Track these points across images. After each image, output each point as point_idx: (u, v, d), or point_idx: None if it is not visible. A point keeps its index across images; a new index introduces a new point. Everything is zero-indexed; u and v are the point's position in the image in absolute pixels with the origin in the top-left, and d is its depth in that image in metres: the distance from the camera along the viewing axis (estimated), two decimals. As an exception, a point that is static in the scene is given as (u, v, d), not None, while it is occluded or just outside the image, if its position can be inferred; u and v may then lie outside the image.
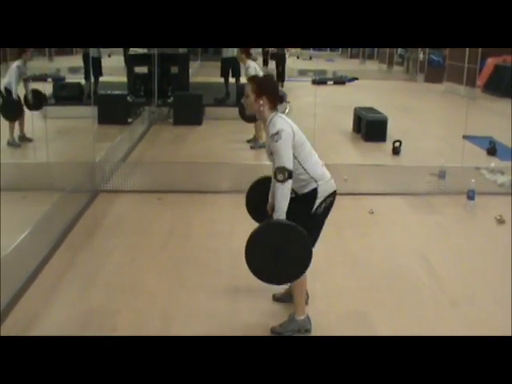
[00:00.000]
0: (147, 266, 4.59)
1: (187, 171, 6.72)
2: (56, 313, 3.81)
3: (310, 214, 3.50)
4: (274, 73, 16.07)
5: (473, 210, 6.26)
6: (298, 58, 26.91)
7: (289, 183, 3.32)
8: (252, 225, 5.30)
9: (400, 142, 8.78)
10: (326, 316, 3.89)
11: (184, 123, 10.07)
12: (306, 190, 3.52)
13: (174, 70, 11.01)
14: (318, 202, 3.50)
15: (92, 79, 8.76)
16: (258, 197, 4.03)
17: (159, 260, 4.71)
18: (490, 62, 16.45)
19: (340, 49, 35.83)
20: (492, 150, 8.72)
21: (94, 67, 8.58)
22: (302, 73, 20.15)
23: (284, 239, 3.31)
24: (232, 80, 11.90)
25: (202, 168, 6.86)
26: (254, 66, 8.57)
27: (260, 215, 4.02)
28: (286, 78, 16.60)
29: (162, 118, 10.36)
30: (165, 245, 5.01)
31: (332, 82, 18.83)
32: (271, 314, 3.92)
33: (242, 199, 6.11)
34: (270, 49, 18.67)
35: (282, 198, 3.32)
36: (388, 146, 9.08)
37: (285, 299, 4.07)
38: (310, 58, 28.47)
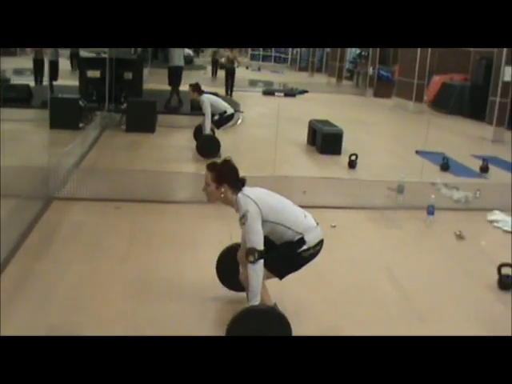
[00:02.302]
0: (108, 279, 4.38)
1: (145, 180, 6.53)
2: (16, 326, 3.56)
3: (294, 253, 3.51)
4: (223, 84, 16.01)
5: (432, 225, 6.32)
6: (247, 68, 27.03)
7: (260, 263, 3.33)
8: (214, 237, 5.27)
9: (356, 155, 8.82)
10: (298, 332, 3.78)
11: (137, 130, 9.85)
12: (294, 240, 3.52)
13: (128, 75, 10.76)
14: (305, 247, 3.50)
15: (45, 82, 8.45)
16: (228, 265, 4.05)
17: (120, 272, 4.51)
18: (438, 79, 16.88)
19: (289, 61, 36.24)
20: (445, 165, 8.87)
21: (51, 70, 8.29)
22: (253, 83, 20.21)
23: (264, 324, 3.32)
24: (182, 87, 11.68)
25: (160, 177, 6.69)
26: (208, 99, 8.46)
27: (231, 283, 4.07)
28: (236, 88, 16.56)
29: (114, 124, 10.10)
30: (125, 256, 4.82)
31: (282, 94, 18.92)
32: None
33: (201, 209, 6.07)
34: (220, 60, 18.65)
35: (255, 278, 3.34)
36: (343, 159, 9.12)
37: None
38: (259, 69, 28.64)
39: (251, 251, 3.32)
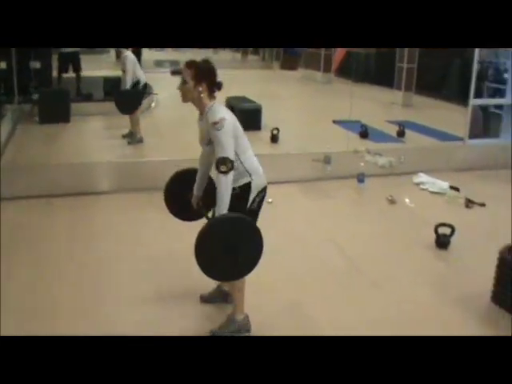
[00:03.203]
0: (58, 281, 4.24)
1: (71, 172, 6.35)
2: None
3: (246, 209, 3.41)
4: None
5: (364, 193, 6.53)
6: (149, 48, 26.43)
7: (231, 174, 3.20)
8: (155, 224, 5.22)
9: (278, 129, 8.90)
10: (261, 311, 3.83)
11: (51, 121, 9.45)
12: (239, 184, 3.39)
13: (35, 64, 10.27)
14: (251, 197, 3.41)
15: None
16: (178, 191, 3.84)
17: (69, 272, 4.38)
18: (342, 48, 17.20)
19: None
20: (364, 133, 9.10)
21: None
22: (159, 64, 19.82)
23: (236, 233, 3.18)
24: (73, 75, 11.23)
25: (85, 168, 6.51)
26: (132, 57, 8.19)
27: (181, 210, 3.88)
28: (143, 70, 16.18)
29: (26, 117, 9.65)
30: (70, 254, 4.68)
31: (189, 72, 18.68)
32: (205, 317, 3.81)
33: (133, 198, 5.98)
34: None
35: (225, 189, 3.20)
36: (263, 134, 9.17)
37: (213, 300, 3.98)
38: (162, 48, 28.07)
39: (224, 161, 3.18)
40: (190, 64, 3.35)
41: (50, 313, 3.79)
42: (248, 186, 3.40)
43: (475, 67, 7.34)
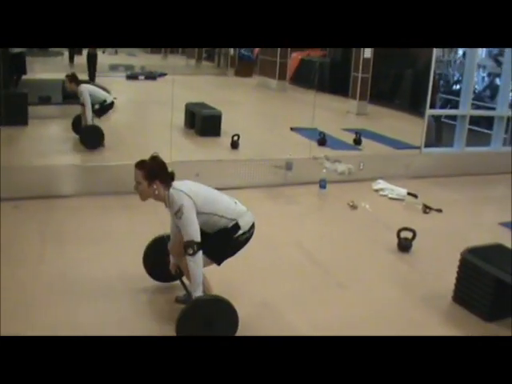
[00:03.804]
0: (31, 285, 4.24)
1: (35, 175, 6.32)
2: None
3: (230, 238, 3.63)
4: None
5: (326, 198, 6.72)
6: (103, 52, 26.15)
7: (199, 254, 3.42)
8: (123, 229, 5.27)
9: (238, 135, 9.02)
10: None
11: (8, 123, 9.28)
12: (228, 226, 3.62)
13: (-10, 66, 10.10)
14: (240, 232, 3.64)
15: None
16: (155, 258, 4.11)
17: (43, 276, 4.38)
18: (295, 55, 17.50)
19: (142, 43, 35.40)
20: (322, 140, 9.31)
21: None
22: (113, 68, 19.64)
23: (212, 313, 3.44)
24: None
25: (49, 171, 6.48)
26: (86, 89, 8.21)
27: (160, 275, 4.16)
28: (98, 74, 16.04)
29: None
30: (41, 258, 4.68)
31: (143, 77, 18.62)
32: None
33: (99, 201, 6.01)
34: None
35: (195, 269, 3.43)
36: (223, 140, 9.27)
37: (188, 301, 4.06)
38: (116, 53, 27.84)
39: (190, 244, 3.39)
40: (140, 165, 3.50)
41: (26, 315, 3.80)
42: (237, 225, 3.63)
43: (431, 78, 7.65)
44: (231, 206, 3.66)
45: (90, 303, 3.99)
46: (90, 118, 8.12)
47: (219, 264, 3.71)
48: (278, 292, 4.34)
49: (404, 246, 5.21)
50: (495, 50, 12.19)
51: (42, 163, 6.86)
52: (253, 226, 3.73)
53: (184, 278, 3.92)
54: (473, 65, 8.29)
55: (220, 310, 3.48)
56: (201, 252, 3.42)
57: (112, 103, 8.72)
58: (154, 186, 3.47)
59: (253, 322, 3.88)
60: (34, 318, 3.74)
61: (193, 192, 3.50)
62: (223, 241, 3.65)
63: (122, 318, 3.83)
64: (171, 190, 3.48)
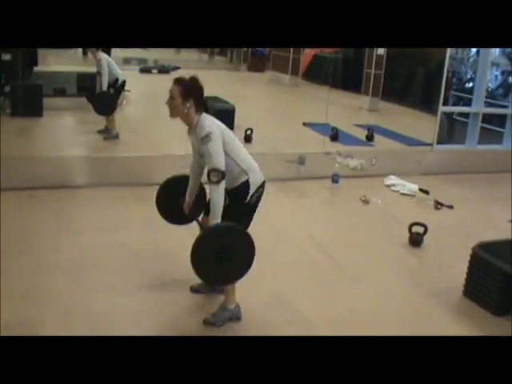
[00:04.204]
0: (49, 273, 4.31)
1: (51, 166, 6.41)
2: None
3: (244, 204, 3.64)
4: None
5: (338, 193, 6.77)
6: (116, 45, 26.25)
7: (223, 184, 3.42)
8: (136, 218, 5.35)
9: (251, 129, 9.08)
10: (248, 302, 4.00)
11: (23, 115, 9.40)
12: (238, 184, 3.63)
13: (5, 56, 10.19)
14: (250, 192, 3.64)
15: None
16: (169, 196, 4.09)
17: (58, 263, 4.46)
18: (308, 51, 17.52)
19: (155, 37, 35.45)
20: (334, 136, 9.36)
21: None
22: (127, 61, 19.72)
23: (229, 242, 3.41)
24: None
25: (64, 162, 6.58)
26: (106, 59, 8.31)
27: (172, 214, 4.12)
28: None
29: (-2, 110, 9.59)
30: (57, 246, 4.76)
31: (157, 71, 18.70)
32: (196, 306, 3.98)
33: (115, 192, 6.08)
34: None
35: (217, 198, 3.41)
36: (236, 134, 9.11)
37: (203, 290, 4.13)
38: (129, 46, 27.88)
39: (214, 171, 3.37)
40: (179, 81, 3.51)
41: (47, 302, 3.88)
42: (247, 183, 3.63)
43: (445, 76, 7.68)
44: (248, 158, 3.67)
45: (104, 294, 4.06)
46: (105, 86, 8.21)
47: None
48: (290, 283, 4.41)
49: (415, 240, 5.26)
50: (509, 49, 12.16)
51: (57, 154, 6.95)
52: (262, 186, 3.71)
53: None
54: (486, 63, 8.31)
55: (237, 238, 3.45)
56: (224, 181, 3.40)
57: (124, 83, 8.78)
58: (188, 105, 3.45)
59: (266, 311, 3.96)
60: (50, 307, 3.82)
61: (222, 127, 3.54)
62: (238, 212, 3.60)
63: (134, 306, 3.91)
64: (204, 114, 3.50)
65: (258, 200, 3.71)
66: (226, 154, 3.49)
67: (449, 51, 7.71)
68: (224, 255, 3.36)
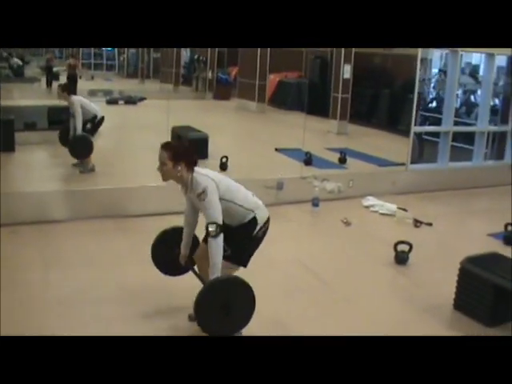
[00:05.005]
0: (40, 307, 4.29)
1: (30, 201, 6.37)
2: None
3: (251, 237, 3.75)
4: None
5: (319, 216, 6.88)
6: (80, 77, 26.10)
7: (221, 237, 3.50)
8: (119, 248, 5.34)
9: (227, 157, 9.17)
10: (248, 330, 4.02)
11: (-5, 150, 9.31)
12: (246, 221, 3.73)
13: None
14: (258, 227, 3.75)
15: None
16: (164, 249, 4.15)
17: (49, 298, 4.43)
18: (273, 78, 17.77)
19: (116, 67, 35.46)
20: (308, 160, 9.48)
21: None
22: (92, 93, 19.67)
23: (231, 294, 3.52)
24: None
25: (43, 197, 6.53)
26: (79, 101, 8.25)
27: (168, 266, 4.20)
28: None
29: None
30: (47, 281, 4.73)
31: (123, 102, 18.69)
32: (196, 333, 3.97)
33: (95, 225, 6.07)
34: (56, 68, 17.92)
35: (216, 252, 3.50)
36: (211, 162, 9.38)
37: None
38: (92, 78, 27.82)
39: (212, 224, 3.46)
40: (167, 146, 3.60)
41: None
42: (254, 219, 3.74)
43: (416, 96, 7.92)
44: (249, 197, 3.76)
45: (100, 324, 4.05)
46: (79, 130, 8.10)
47: (245, 266, 3.84)
48: (286, 309, 4.46)
49: (401, 258, 5.38)
50: (471, 68, 12.59)
51: (34, 189, 6.91)
52: (268, 221, 3.82)
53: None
54: (454, 82, 8.59)
55: (237, 290, 3.56)
56: (222, 235, 3.48)
57: (102, 118, 8.71)
58: (179, 168, 3.51)
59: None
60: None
61: (216, 178, 3.60)
62: (244, 242, 3.75)
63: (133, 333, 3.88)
64: (195, 173, 3.55)
65: (264, 233, 3.82)
66: (228, 201, 3.60)
67: (418, 73, 7.95)
68: (226, 307, 3.48)
